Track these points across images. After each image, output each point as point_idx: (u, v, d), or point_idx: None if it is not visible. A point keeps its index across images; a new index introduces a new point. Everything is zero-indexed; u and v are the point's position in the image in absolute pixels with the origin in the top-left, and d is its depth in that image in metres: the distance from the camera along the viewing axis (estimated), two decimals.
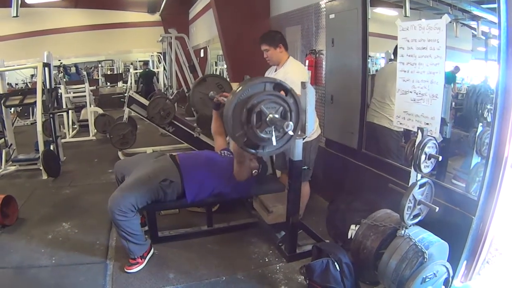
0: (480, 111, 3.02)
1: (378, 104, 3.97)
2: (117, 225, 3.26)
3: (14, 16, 7.87)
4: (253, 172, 3.65)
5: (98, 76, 18.14)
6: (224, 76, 10.74)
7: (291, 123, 2.45)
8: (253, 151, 2.67)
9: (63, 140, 7.82)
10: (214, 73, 11.82)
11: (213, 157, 3.73)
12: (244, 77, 4.33)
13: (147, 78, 13.24)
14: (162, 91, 11.60)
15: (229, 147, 4.02)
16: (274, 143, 2.57)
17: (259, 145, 2.65)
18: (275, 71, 3.83)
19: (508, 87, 2.40)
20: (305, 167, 3.44)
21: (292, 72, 3.62)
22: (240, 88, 2.56)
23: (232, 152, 3.71)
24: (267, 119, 2.48)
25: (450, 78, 3.57)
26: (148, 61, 16.13)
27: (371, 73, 4.08)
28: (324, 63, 4.63)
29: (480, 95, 3.18)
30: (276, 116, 2.51)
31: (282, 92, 2.66)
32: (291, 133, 2.53)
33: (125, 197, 3.24)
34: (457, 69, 3.70)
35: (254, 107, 2.48)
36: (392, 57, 3.82)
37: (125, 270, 3.32)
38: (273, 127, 2.53)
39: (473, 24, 3.49)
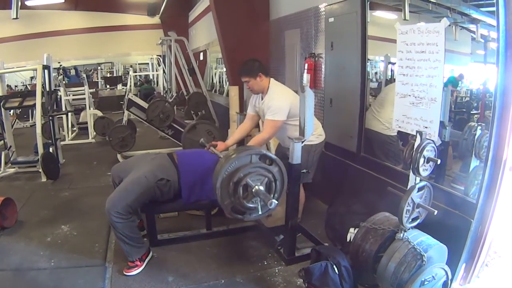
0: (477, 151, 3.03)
1: (376, 111, 3.99)
2: (114, 227, 3.26)
3: (14, 18, 7.87)
4: None
5: (98, 79, 18.13)
6: (223, 80, 10.80)
7: (274, 201, 2.62)
8: (240, 216, 2.86)
9: (62, 143, 7.83)
10: (214, 77, 11.84)
11: (212, 157, 3.74)
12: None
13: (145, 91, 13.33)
14: (162, 94, 11.60)
15: None
16: (260, 212, 2.79)
17: (245, 212, 2.82)
18: (262, 99, 3.83)
19: (507, 89, 2.40)
20: (304, 170, 3.44)
21: (276, 99, 3.64)
22: (227, 161, 2.73)
23: None
24: (253, 190, 2.66)
25: (454, 83, 3.59)
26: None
27: (370, 76, 4.10)
28: (323, 66, 4.63)
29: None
30: (261, 188, 2.69)
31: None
32: (272, 207, 2.67)
33: (122, 198, 3.26)
34: (461, 76, 3.72)
35: (240, 181, 2.66)
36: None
37: (124, 273, 3.32)
38: (258, 198, 2.70)
39: (472, 27, 3.50)
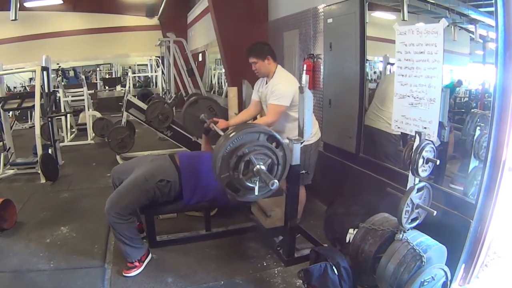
0: (476, 151, 3.02)
1: (377, 108, 3.98)
2: (114, 227, 3.27)
3: (12, 20, 7.87)
4: None
5: (97, 80, 18.11)
6: (222, 81, 10.79)
7: (276, 181, 2.53)
8: (233, 194, 2.75)
9: (61, 144, 7.83)
10: (212, 78, 11.83)
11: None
12: (242, 81, 4.35)
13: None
14: (160, 95, 11.59)
15: None
16: (257, 193, 2.66)
17: (240, 190, 2.71)
18: (266, 83, 3.83)
19: (506, 90, 2.40)
20: (303, 171, 3.44)
21: (281, 83, 3.63)
22: (234, 133, 2.64)
23: None
24: (254, 169, 2.57)
25: (451, 89, 3.60)
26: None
27: (369, 77, 4.10)
28: (322, 67, 4.63)
29: None
30: (263, 168, 2.60)
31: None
32: (273, 188, 2.59)
33: (122, 199, 3.27)
34: (459, 82, 3.72)
35: (244, 156, 2.57)
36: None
37: (123, 274, 3.32)
38: (258, 177, 2.60)
39: (471, 27, 3.50)
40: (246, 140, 2.64)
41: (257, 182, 2.62)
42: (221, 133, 3.47)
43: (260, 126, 2.84)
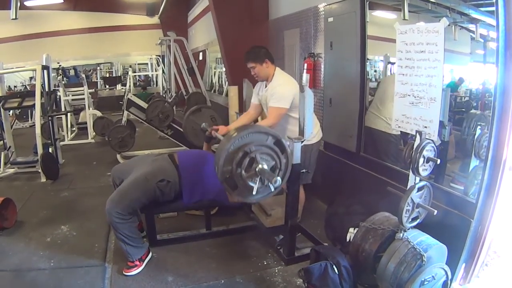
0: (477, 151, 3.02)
1: (377, 108, 3.97)
2: (115, 227, 3.26)
3: (13, 19, 7.87)
4: None
5: (97, 79, 18.10)
6: (222, 80, 10.78)
7: (279, 178, 2.56)
8: (230, 190, 2.75)
9: (61, 143, 7.82)
10: (213, 77, 11.82)
11: (211, 158, 3.74)
12: (243, 80, 4.34)
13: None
14: (161, 94, 11.58)
15: None
16: (254, 192, 2.66)
17: (237, 187, 2.71)
18: (265, 86, 3.82)
19: (506, 89, 2.40)
20: (304, 170, 3.44)
21: (280, 85, 3.63)
22: (245, 130, 2.68)
23: None
24: (257, 168, 2.59)
25: (453, 87, 3.60)
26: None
27: (369, 76, 4.09)
28: (322, 66, 4.63)
29: None
30: (266, 167, 2.61)
31: None
32: (272, 189, 2.64)
33: (123, 199, 3.27)
34: (461, 80, 3.72)
35: (250, 152, 2.60)
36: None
37: (123, 273, 3.32)
38: (259, 177, 2.62)
39: (471, 27, 3.49)
40: (255, 139, 2.66)
41: (257, 182, 2.63)
42: (222, 139, 3.49)
43: (270, 129, 2.84)
